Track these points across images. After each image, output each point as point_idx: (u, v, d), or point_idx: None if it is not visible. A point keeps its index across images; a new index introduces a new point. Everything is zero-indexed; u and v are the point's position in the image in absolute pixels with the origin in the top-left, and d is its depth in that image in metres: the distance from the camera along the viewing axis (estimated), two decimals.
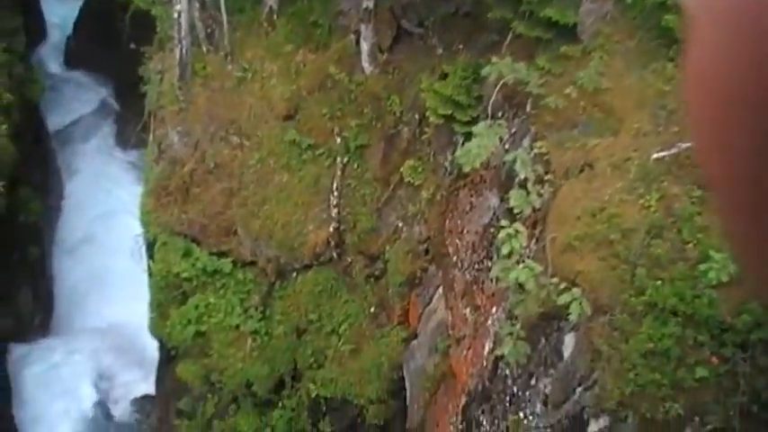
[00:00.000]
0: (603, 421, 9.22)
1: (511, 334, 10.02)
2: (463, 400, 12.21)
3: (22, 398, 21.06)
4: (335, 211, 14.83)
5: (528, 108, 11.16)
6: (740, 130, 0.84)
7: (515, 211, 9.52)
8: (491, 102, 11.06)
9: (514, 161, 10.51)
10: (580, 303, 8.43)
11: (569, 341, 9.76)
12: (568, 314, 8.82)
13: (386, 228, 14.45)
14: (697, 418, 8.53)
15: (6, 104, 20.57)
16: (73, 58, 27.87)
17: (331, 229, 14.89)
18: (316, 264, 15.22)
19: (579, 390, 9.52)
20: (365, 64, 15.16)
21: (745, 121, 0.83)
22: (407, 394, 14.27)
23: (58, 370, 21.70)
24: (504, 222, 9.38)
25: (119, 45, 22.15)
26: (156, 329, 16.46)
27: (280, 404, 15.86)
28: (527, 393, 10.55)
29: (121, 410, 21.39)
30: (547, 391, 10.14)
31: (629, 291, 8.72)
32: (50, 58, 27.90)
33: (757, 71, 0.81)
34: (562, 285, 8.82)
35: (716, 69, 0.86)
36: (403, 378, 14.45)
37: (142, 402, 20.96)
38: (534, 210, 9.64)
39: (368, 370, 14.75)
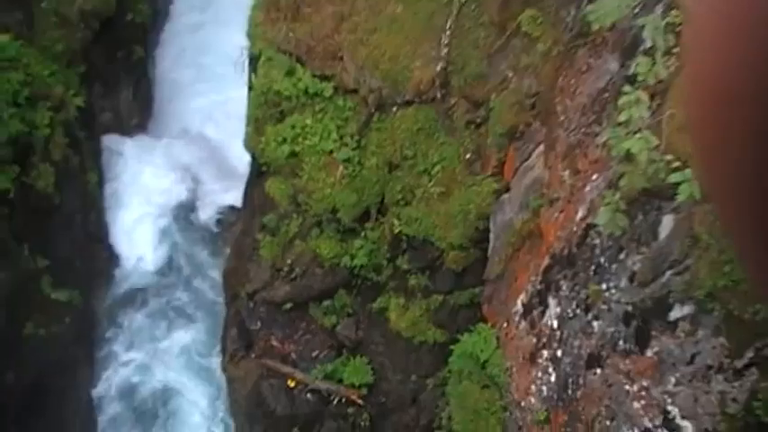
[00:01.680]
0: (688, 309, 9.04)
1: (609, 204, 9.76)
2: (546, 261, 12.12)
3: (111, 192, 21.71)
4: (445, 50, 14.41)
5: None
6: (741, 130, 0.83)
7: (639, 78, 9.04)
8: None
9: (644, 27, 9.93)
10: (691, 186, 8.08)
11: (667, 222, 9.47)
12: (675, 194, 8.48)
13: (494, 75, 14.02)
14: None
15: None
16: None
17: (438, 69, 14.52)
18: (417, 101, 14.95)
19: (669, 273, 9.31)
20: None
21: (745, 121, 0.82)
22: (490, 246, 14.23)
23: (149, 167, 22.22)
24: (626, 88, 8.94)
25: None
26: (249, 143, 16.56)
27: (362, 234, 16.02)
28: (613, 267, 10.38)
29: (206, 216, 21.96)
30: (635, 268, 9.94)
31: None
32: None
33: (758, 71, 0.80)
34: (675, 164, 8.45)
35: (716, 70, 0.85)
36: (488, 229, 14.37)
37: (228, 212, 21.45)
38: (657, 81, 9.15)
39: (454, 215, 14.69)
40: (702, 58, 0.86)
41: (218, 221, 21.79)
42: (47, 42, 19.34)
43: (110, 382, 20.67)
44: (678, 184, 8.37)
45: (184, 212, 22.05)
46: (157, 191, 21.99)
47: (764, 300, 0.96)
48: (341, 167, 15.66)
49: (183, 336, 20.92)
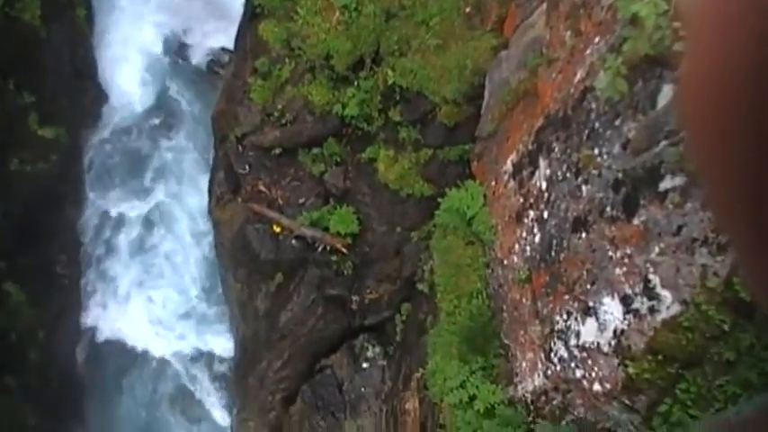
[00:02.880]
0: (679, 180, 8.99)
1: (610, 68, 9.57)
2: (540, 121, 11.98)
3: (100, 29, 21.20)
4: None
5: None
6: (740, 132, 0.83)
7: None
8: None
9: None
10: None
11: (667, 91, 9.29)
12: (678, 64, 8.30)
13: None
14: None
15: None
16: None
17: None
18: None
19: (664, 143, 9.21)
20: None
21: (745, 123, 0.82)
22: (484, 103, 14.04)
23: (140, 5, 21.61)
24: None
25: None
26: None
27: (355, 83, 15.78)
28: (608, 132, 10.26)
29: (197, 57, 21.56)
30: (630, 135, 9.83)
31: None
32: None
33: (756, 73, 0.80)
34: (682, 32, 8.22)
35: (715, 72, 0.86)
36: (483, 86, 14.14)
37: (219, 54, 21.04)
38: None
39: (450, 69, 14.44)
40: (700, 56, 0.89)
41: (209, 63, 21.40)
42: None
43: (96, 217, 20.78)
44: (683, 53, 8.17)
45: (175, 53, 21.63)
46: (148, 29, 21.49)
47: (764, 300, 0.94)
48: (337, 13, 15.27)
49: (171, 175, 20.90)
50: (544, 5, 12.43)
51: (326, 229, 16.73)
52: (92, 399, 20.52)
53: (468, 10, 14.25)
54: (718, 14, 0.84)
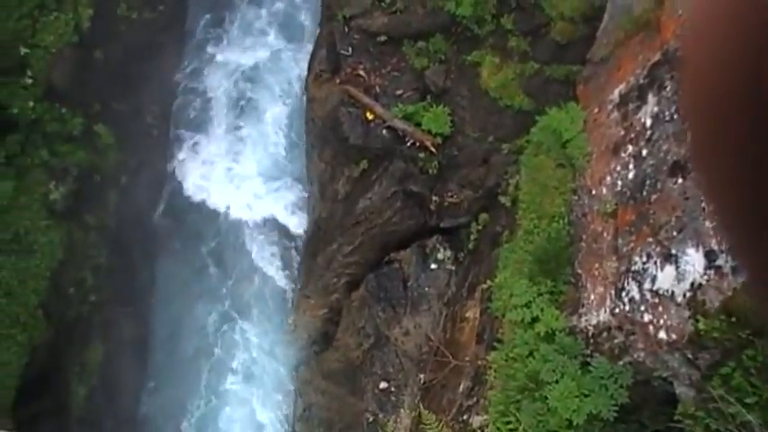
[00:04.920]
0: None
1: None
2: (657, 56, 11.58)
3: None
4: None
5: None
6: (742, 132, 0.83)
7: None
8: None
9: None
10: None
11: None
12: None
13: None
14: None
15: None
16: None
17: None
18: None
19: None
20: None
21: (746, 122, 0.82)
22: (602, 25, 13.59)
23: None
24: None
25: None
26: None
27: None
28: None
29: None
30: None
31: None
32: None
33: (757, 71, 0.80)
34: None
35: (716, 71, 0.85)
36: (603, 7, 13.68)
37: None
38: None
39: None
40: (701, 59, 0.86)
41: None
42: None
43: (193, 74, 20.94)
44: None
45: None
46: None
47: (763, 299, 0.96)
48: None
49: (274, 43, 20.87)
50: None
51: (419, 125, 16.60)
52: (163, 249, 21.11)
53: None
54: (719, 10, 0.82)
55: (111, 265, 19.82)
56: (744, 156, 0.85)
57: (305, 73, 18.98)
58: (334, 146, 17.68)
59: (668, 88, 11.02)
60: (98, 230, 19.47)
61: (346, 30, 17.34)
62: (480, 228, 15.93)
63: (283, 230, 20.69)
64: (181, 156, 21.22)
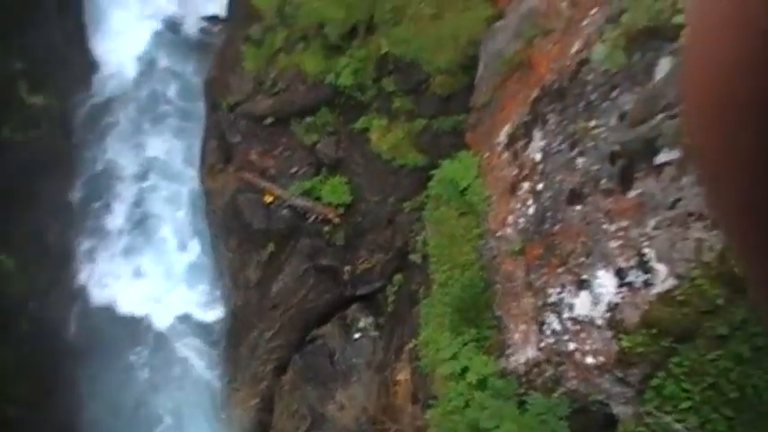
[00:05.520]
0: (676, 153, 8.94)
1: (608, 40, 9.49)
2: (535, 93, 11.90)
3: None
4: None
5: None
6: (745, 132, 0.81)
7: None
8: None
9: None
10: None
11: (665, 64, 9.22)
12: (677, 37, 8.24)
13: None
14: None
15: None
16: None
17: None
18: None
19: (661, 116, 9.15)
20: None
21: (749, 123, 0.80)
22: (479, 73, 13.94)
23: None
24: None
25: None
26: None
27: (348, 52, 15.64)
28: (604, 104, 10.20)
29: (190, 25, 21.32)
30: (626, 107, 9.77)
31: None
32: None
33: (759, 71, 0.78)
34: (680, 5, 8.15)
35: (718, 71, 0.82)
36: (477, 55, 14.04)
37: (211, 21, 20.81)
38: None
39: (444, 39, 14.32)
40: (703, 60, 0.83)
41: (202, 31, 21.17)
42: None
43: (87, 187, 20.65)
44: (682, 26, 8.11)
45: (167, 20, 21.39)
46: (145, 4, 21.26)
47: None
48: None
49: (162, 145, 20.76)
50: None
51: (318, 199, 16.65)
52: (83, 367, 20.51)
53: None
54: (723, 8, 0.79)
55: (34, 395, 19.14)
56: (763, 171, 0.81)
57: (198, 167, 18.90)
58: (238, 234, 17.57)
59: (551, 121, 11.32)
60: (15, 362, 18.82)
61: (232, 117, 17.39)
62: (396, 289, 15.96)
63: (201, 326, 20.35)
64: (87, 268, 20.79)
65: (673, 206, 8.88)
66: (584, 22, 10.64)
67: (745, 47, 0.78)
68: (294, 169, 16.96)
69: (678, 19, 8.12)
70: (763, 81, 0.77)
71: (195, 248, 20.49)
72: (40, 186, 19.33)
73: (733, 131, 0.81)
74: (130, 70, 21.08)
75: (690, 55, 0.86)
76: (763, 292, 0.90)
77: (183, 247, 20.71)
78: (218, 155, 17.68)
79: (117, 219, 20.90)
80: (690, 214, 8.68)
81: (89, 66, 20.82)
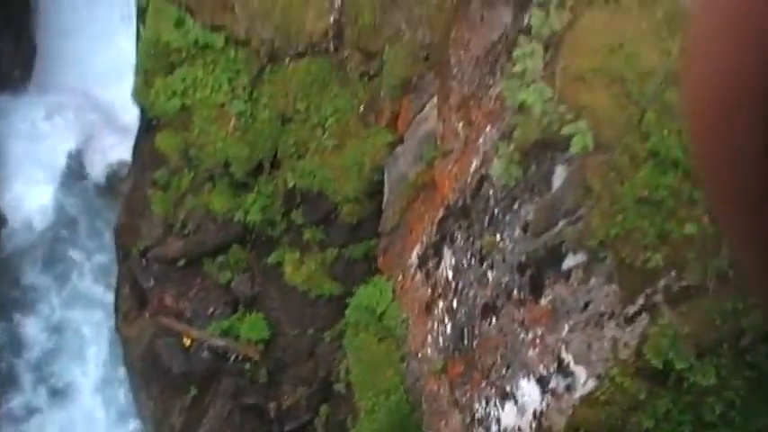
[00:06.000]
0: (581, 257, 9.23)
1: (503, 155, 9.85)
2: (441, 212, 12.20)
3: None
4: (339, 1, 14.22)
5: None
6: (746, 133, 0.80)
7: (533, 30, 9.10)
8: None
9: None
10: (584, 137, 8.21)
11: (561, 172, 9.61)
12: (568, 146, 8.63)
13: (388, 27, 13.90)
14: (674, 272, 8.54)
15: None
16: None
17: (331, 20, 14.33)
18: (310, 53, 14.74)
19: (562, 223, 9.47)
20: None
21: (751, 123, 0.79)
22: (385, 198, 14.24)
23: (36, 124, 21.42)
24: (521, 40, 8.99)
25: None
26: (139, 96, 16.09)
27: (255, 189, 15.82)
28: (507, 217, 10.51)
29: (96, 174, 21.30)
30: (528, 218, 10.08)
31: (635, 134, 8.50)
32: None
33: (760, 71, 0.77)
34: (568, 116, 8.57)
35: (719, 71, 0.82)
36: (382, 181, 14.37)
37: (118, 167, 20.84)
38: (551, 33, 9.22)
39: (348, 168, 14.63)
40: (704, 61, 0.83)
41: (108, 177, 21.16)
42: None
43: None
44: (571, 135, 8.50)
45: (72, 169, 21.34)
46: (43, 147, 21.22)
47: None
48: (233, 120, 15.38)
49: (73, 295, 20.38)
50: (435, 99, 12.80)
51: (238, 338, 16.48)
52: None
53: (361, 109, 14.54)
54: (725, 10, 0.80)
55: None
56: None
57: (113, 315, 18.56)
58: (158, 381, 17.18)
59: (459, 238, 11.59)
60: None
61: (144, 262, 17.26)
62: (324, 421, 15.73)
63: None
64: None
65: (585, 308, 9.10)
66: (480, 141, 11.05)
67: (746, 47, 0.78)
68: (211, 309, 16.81)
69: (567, 129, 8.52)
70: (764, 81, 0.77)
71: (118, 403, 19.87)
72: None
73: (733, 131, 0.81)
74: (37, 222, 20.82)
75: (691, 56, 0.85)
76: (763, 289, 0.88)
77: (105, 403, 20.07)
78: (132, 301, 17.44)
79: (26, 380, 20.23)
80: (602, 314, 8.91)
81: None
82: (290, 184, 15.30)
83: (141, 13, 15.76)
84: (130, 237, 17.50)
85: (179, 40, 14.99)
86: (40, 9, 22.86)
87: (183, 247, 16.90)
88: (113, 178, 21.04)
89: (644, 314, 8.59)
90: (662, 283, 8.55)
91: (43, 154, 21.16)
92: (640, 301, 8.60)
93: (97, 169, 21.31)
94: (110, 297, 19.07)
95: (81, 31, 22.18)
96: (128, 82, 16.52)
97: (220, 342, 16.51)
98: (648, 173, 8.41)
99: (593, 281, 9.02)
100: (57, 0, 23.04)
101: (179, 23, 14.99)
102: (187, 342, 16.77)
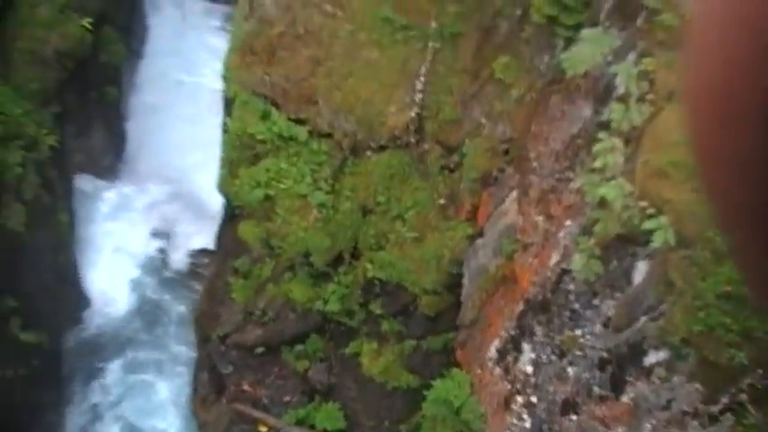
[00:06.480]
0: (663, 354, 9.05)
1: (583, 250, 9.81)
2: (521, 306, 12.12)
3: (83, 235, 21.56)
4: (420, 96, 14.51)
5: (639, 21, 10.62)
6: (745, 138, 0.79)
7: (612, 125, 9.14)
8: (605, 9, 10.54)
9: (617, 74, 10.09)
10: (665, 232, 8.14)
11: (642, 267, 9.51)
12: (649, 241, 8.55)
13: (468, 121, 14.12)
14: (760, 371, 8.30)
15: None
16: None
17: (412, 114, 14.61)
18: (392, 146, 15.01)
19: (644, 319, 9.33)
20: None
21: (750, 128, 0.78)
22: (464, 291, 14.22)
23: (123, 210, 22.13)
24: (601, 135, 9.03)
25: None
26: (223, 186, 16.51)
27: (335, 279, 15.96)
28: (588, 312, 10.40)
29: (178, 260, 21.82)
30: (609, 313, 9.97)
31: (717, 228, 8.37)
32: None
33: (760, 76, 0.77)
34: (649, 210, 8.52)
35: (719, 76, 0.81)
36: (461, 274, 14.38)
37: (199, 255, 21.31)
38: (631, 127, 9.25)
39: (428, 260, 14.70)
40: (704, 65, 0.82)
41: (190, 264, 21.65)
42: (21, 81, 19.26)
43: (78, 419, 20.32)
44: (652, 230, 8.44)
45: (156, 255, 21.93)
46: (129, 234, 21.88)
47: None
48: (314, 211, 15.64)
49: (153, 379, 20.65)
50: (515, 193, 12.84)
51: (313, 427, 16.44)
52: None
53: (441, 201, 14.67)
54: (723, 14, 0.80)
55: None
56: None
57: (190, 399, 18.72)
58: None
59: (539, 333, 11.47)
60: None
61: (223, 348, 17.45)
62: None
63: None
64: None
65: (667, 406, 8.89)
66: (561, 234, 11.02)
67: (747, 46, 0.78)
68: (287, 397, 16.85)
69: (648, 224, 8.46)
70: (764, 81, 0.77)
71: None
72: (31, 424, 19.03)
73: (734, 131, 0.80)
74: (120, 304, 21.33)
75: (691, 54, 0.84)
76: (765, 292, 0.87)
77: None
78: (210, 386, 17.59)
79: None
80: (685, 413, 8.68)
81: (79, 301, 21.06)
82: (370, 275, 15.41)
83: (228, 106, 16.29)
84: (210, 323, 17.75)
85: (264, 132, 15.41)
86: (132, 102, 23.85)
87: (262, 335, 17.07)
88: (195, 265, 21.50)
89: (728, 414, 8.34)
90: (746, 381, 8.32)
91: (128, 239, 21.79)
92: (724, 399, 8.36)
93: (179, 256, 21.84)
94: (188, 381, 19.27)
95: (169, 123, 23.03)
96: (212, 172, 17.00)
97: (296, 431, 16.48)
98: (731, 268, 8.26)
99: (675, 378, 8.82)
100: (147, 93, 24.05)
101: (264, 116, 15.44)
102: (263, 429, 16.80)
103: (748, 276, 0.88)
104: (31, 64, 19.59)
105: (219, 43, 20.33)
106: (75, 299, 20.96)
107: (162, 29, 25.27)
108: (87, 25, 19.66)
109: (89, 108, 21.59)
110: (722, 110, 0.80)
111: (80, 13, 19.77)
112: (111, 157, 22.73)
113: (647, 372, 9.11)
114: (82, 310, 21.12)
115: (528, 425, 11.71)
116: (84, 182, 21.84)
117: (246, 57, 15.66)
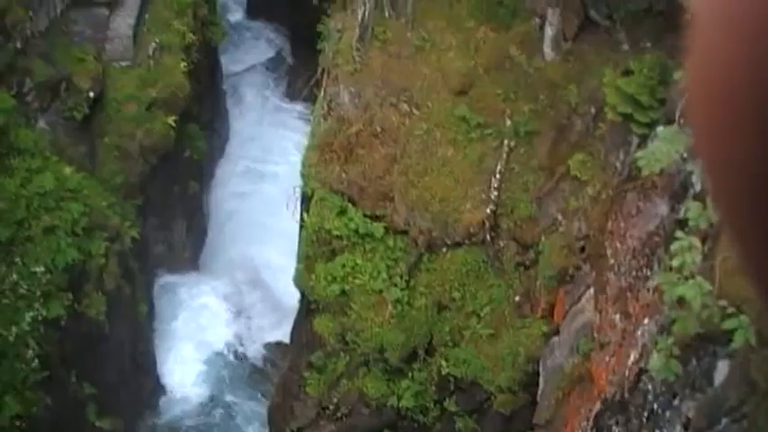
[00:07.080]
0: None
1: (662, 349, 9.66)
2: (598, 406, 11.92)
3: (161, 325, 21.95)
4: (495, 193, 14.65)
5: None
6: (753, 138, 0.77)
7: (690, 223, 9.11)
8: (680, 106, 10.60)
9: (693, 172, 10.10)
10: (746, 332, 8.00)
11: (722, 368, 9.33)
12: (730, 341, 8.40)
13: (544, 218, 14.17)
14: None
15: (188, 44, 21.28)
16: (255, 8, 28.62)
17: (488, 211, 14.72)
18: (467, 243, 15.10)
19: (725, 420, 9.10)
20: (547, 49, 14.89)
21: (757, 128, 0.76)
22: (540, 389, 14.04)
23: (200, 303, 22.50)
24: (678, 234, 8.99)
25: (301, 0, 22.52)
26: (300, 281, 16.73)
27: (409, 375, 15.91)
28: (667, 413, 10.18)
29: (254, 353, 22.01)
30: (689, 414, 9.75)
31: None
32: (233, 5, 28.65)
33: (761, 71, 0.75)
34: (729, 309, 8.40)
35: (725, 74, 0.79)
36: (537, 372, 14.23)
37: (275, 348, 21.47)
38: (709, 225, 9.20)
39: (503, 357, 14.61)
40: (710, 63, 0.81)
41: (266, 357, 21.80)
42: (107, 175, 19.94)
43: None
44: (732, 329, 8.31)
45: (232, 347, 22.15)
46: (206, 325, 22.19)
47: None
48: (390, 307, 15.71)
49: None
50: (591, 290, 12.77)
51: None
52: None
53: (517, 299, 14.65)
54: (729, 10, 0.78)
55: None
56: None
57: None
58: None
59: None
60: None
61: None
62: None
63: None
64: None
65: None
66: (638, 332, 10.89)
67: (748, 46, 0.77)
68: None
69: (728, 324, 8.33)
70: (764, 80, 0.76)
71: None
72: None
73: (736, 132, 0.78)
74: (195, 396, 21.50)
75: (693, 55, 0.83)
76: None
77: None
78: None
79: None
80: None
81: (155, 390, 21.30)
82: (444, 372, 15.34)
83: (306, 202, 16.63)
84: (284, 417, 17.78)
85: (341, 228, 15.66)
86: (213, 195, 24.50)
87: (335, 431, 17.00)
88: (270, 359, 21.65)
89: None
90: None
91: (204, 330, 22.11)
92: None
93: (255, 349, 22.03)
94: None
95: (248, 219, 23.54)
96: (289, 266, 17.26)
97: None
98: None
99: None
100: (228, 186, 24.69)
101: (341, 212, 15.72)
102: None
103: (757, 281, 0.84)
104: (116, 158, 20.30)
105: (298, 139, 20.90)
106: (150, 388, 21.23)
107: (243, 125, 26.10)
108: (171, 122, 20.38)
109: (171, 201, 22.22)
110: (722, 111, 0.80)
111: (165, 110, 20.52)
112: (190, 249, 23.23)
113: None
114: (157, 399, 21.36)
115: None
116: (163, 273, 22.34)
117: (324, 154, 16.04)
